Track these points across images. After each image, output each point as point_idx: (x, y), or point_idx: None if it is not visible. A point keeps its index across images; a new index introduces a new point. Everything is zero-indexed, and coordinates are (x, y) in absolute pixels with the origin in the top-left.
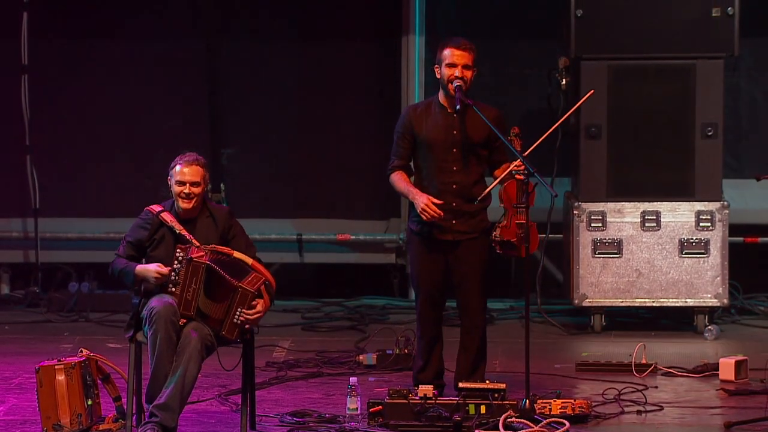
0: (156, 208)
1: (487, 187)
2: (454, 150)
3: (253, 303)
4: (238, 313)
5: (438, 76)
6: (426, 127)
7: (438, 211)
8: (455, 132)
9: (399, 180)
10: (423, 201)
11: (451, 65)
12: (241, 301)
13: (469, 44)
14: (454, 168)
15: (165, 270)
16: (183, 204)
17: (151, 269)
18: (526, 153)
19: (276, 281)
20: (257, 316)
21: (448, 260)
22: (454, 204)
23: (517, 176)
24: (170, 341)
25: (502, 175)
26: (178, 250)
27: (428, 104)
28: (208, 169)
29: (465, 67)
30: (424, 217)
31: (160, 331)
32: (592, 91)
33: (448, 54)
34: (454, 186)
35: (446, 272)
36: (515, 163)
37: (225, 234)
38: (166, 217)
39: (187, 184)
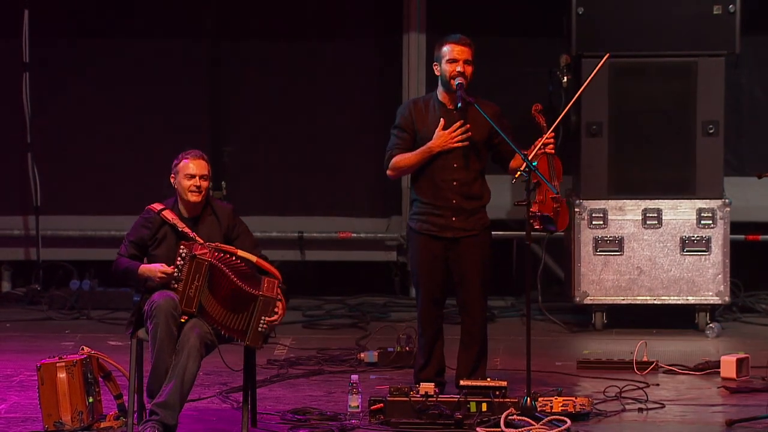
0: (157, 206)
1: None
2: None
3: (275, 309)
4: (261, 321)
5: (437, 74)
6: (427, 124)
7: (458, 128)
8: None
9: (402, 156)
10: (442, 134)
11: (453, 61)
12: (263, 309)
13: (467, 39)
14: (455, 165)
15: (169, 269)
16: (193, 198)
17: (155, 269)
18: (549, 132)
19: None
20: (280, 319)
21: (448, 258)
22: (454, 201)
23: (547, 149)
24: (171, 335)
25: (536, 150)
26: (181, 247)
27: (427, 101)
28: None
29: (466, 62)
30: (456, 142)
31: (160, 325)
32: (608, 54)
33: (448, 50)
34: (455, 183)
35: (447, 270)
36: (546, 135)
37: (229, 233)
38: (168, 215)
39: (197, 177)
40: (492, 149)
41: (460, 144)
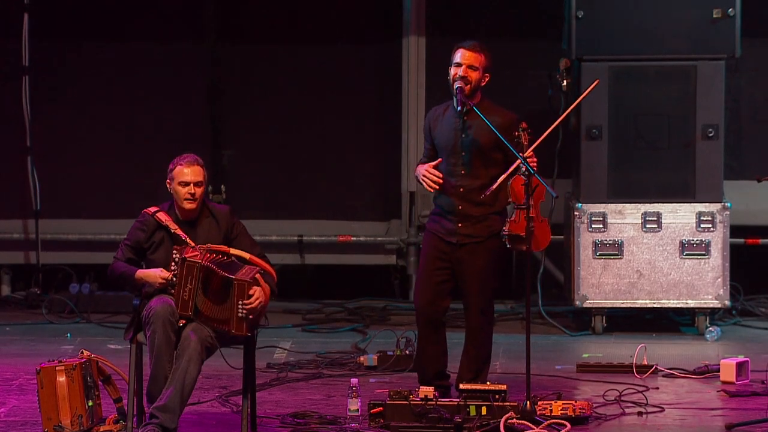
0: (152, 209)
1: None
2: (462, 153)
3: (250, 292)
4: (239, 306)
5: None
6: (438, 130)
7: (436, 173)
8: (462, 135)
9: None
10: (420, 172)
11: (457, 65)
12: (240, 293)
13: (479, 46)
14: (462, 171)
15: (168, 274)
16: (188, 205)
17: (155, 275)
18: (527, 151)
19: (277, 278)
20: (258, 303)
21: (452, 261)
22: (460, 207)
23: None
24: (168, 341)
25: (508, 172)
26: (174, 252)
27: (446, 106)
28: (206, 169)
29: (470, 67)
30: (426, 187)
31: (157, 332)
32: (597, 81)
33: (457, 54)
34: (461, 189)
35: (450, 273)
36: (525, 155)
37: (228, 234)
38: (162, 216)
39: (191, 184)
40: (503, 155)
41: (428, 184)
